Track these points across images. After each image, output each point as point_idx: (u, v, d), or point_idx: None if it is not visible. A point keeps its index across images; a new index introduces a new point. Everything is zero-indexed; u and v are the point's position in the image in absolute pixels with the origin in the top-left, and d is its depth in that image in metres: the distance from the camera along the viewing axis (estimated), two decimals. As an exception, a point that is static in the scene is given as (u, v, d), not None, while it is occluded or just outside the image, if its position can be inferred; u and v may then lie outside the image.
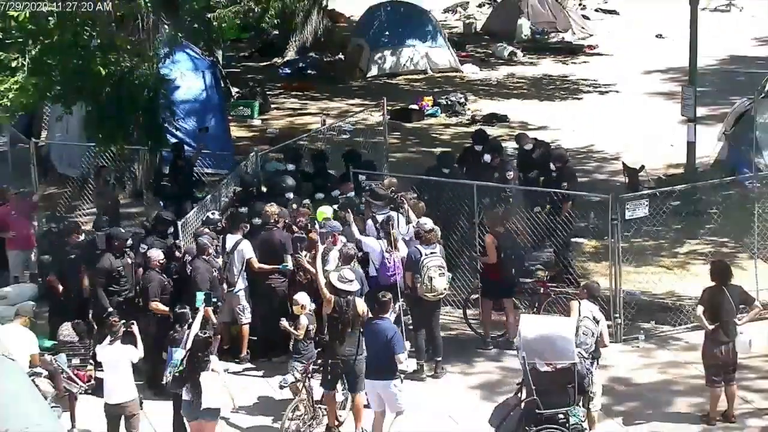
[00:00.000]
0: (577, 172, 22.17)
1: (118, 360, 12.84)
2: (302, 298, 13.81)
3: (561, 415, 11.87)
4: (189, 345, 12.50)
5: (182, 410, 12.57)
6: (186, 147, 19.85)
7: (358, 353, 12.91)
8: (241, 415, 13.69)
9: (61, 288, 15.47)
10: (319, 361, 13.43)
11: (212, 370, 12.26)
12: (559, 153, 18.17)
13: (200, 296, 13.43)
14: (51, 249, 16.20)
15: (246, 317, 15.29)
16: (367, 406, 13.25)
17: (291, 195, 16.74)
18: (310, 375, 13.14)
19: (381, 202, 15.70)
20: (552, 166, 17.52)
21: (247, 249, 15.21)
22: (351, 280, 13.03)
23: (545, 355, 11.77)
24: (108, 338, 13.08)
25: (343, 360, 12.89)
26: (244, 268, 15.22)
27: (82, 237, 15.93)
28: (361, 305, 13.11)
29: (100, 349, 13.15)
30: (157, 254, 14.65)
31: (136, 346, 13.10)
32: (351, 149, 19.08)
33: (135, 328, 13.26)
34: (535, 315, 12.94)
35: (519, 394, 12.23)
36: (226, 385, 12.42)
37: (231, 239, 15.32)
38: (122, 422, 12.94)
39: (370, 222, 15.54)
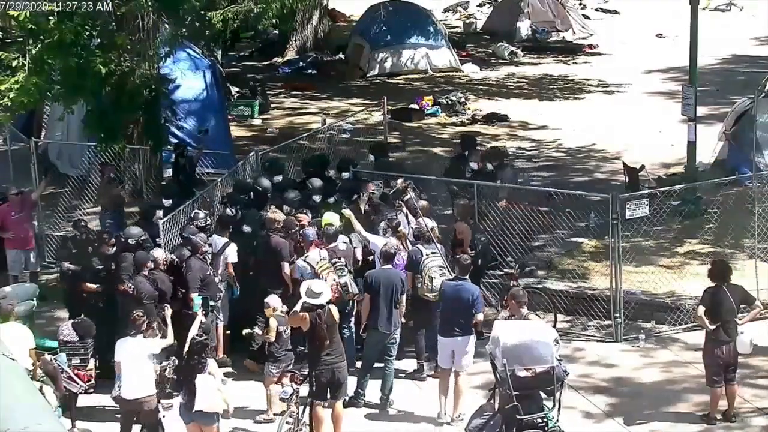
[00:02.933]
0: (577, 171, 22.34)
1: (139, 354, 12.80)
2: (273, 300, 13.71)
3: (540, 420, 11.86)
4: (186, 348, 12.51)
5: (178, 413, 12.56)
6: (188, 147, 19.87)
7: (340, 361, 12.87)
8: (239, 418, 13.64)
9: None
10: (304, 372, 13.21)
11: (209, 373, 12.22)
12: (495, 151, 18.21)
13: (198, 300, 13.40)
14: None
15: (221, 319, 15.16)
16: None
17: (318, 198, 16.42)
18: (298, 386, 12.93)
19: (389, 206, 15.72)
20: (489, 166, 17.58)
21: (231, 253, 15.18)
22: (319, 293, 12.77)
23: (524, 360, 11.70)
24: (131, 332, 13.01)
25: (325, 369, 12.76)
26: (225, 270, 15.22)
27: (112, 250, 15.22)
28: (336, 313, 12.96)
29: (120, 342, 13.05)
30: (161, 254, 14.63)
31: (165, 334, 13.08)
32: (343, 159, 18.85)
33: (168, 311, 13.20)
34: (508, 321, 12.86)
35: (492, 401, 12.21)
36: (221, 390, 12.35)
37: (218, 241, 15.30)
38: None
39: (383, 224, 15.47)
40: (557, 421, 11.94)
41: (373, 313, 13.95)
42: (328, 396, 12.87)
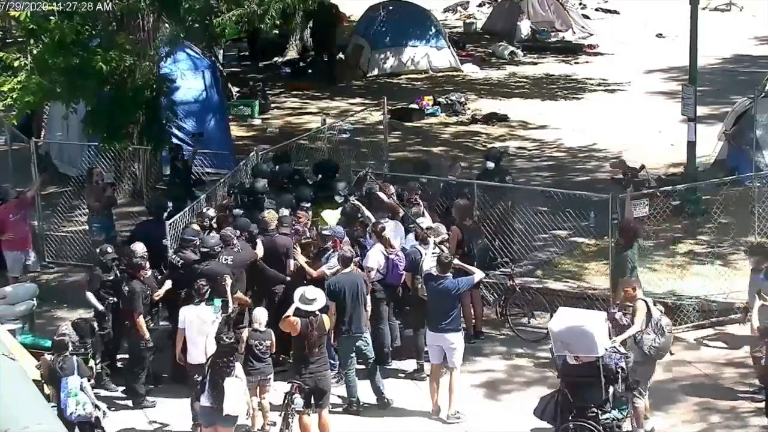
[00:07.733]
0: (577, 171, 22.35)
1: (203, 321, 13.00)
2: (257, 313, 13.49)
3: (593, 410, 11.91)
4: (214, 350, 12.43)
5: (200, 416, 12.47)
6: (185, 147, 19.86)
7: (324, 370, 12.85)
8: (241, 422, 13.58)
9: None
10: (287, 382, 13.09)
11: (236, 376, 12.12)
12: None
13: (217, 302, 13.29)
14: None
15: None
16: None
17: (340, 200, 16.32)
18: (292, 396, 12.74)
19: (381, 212, 15.71)
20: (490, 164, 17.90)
21: None
22: (313, 300, 12.78)
23: (571, 347, 11.94)
24: (195, 300, 13.29)
25: (310, 377, 12.71)
26: None
27: (149, 273, 14.62)
28: (328, 322, 12.96)
29: (185, 309, 13.32)
30: (140, 248, 14.63)
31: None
32: (327, 160, 18.80)
33: (228, 281, 13.42)
34: (568, 308, 12.99)
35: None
36: (246, 392, 12.35)
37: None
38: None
39: (368, 229, 15.44)
40: (625, 418, 12.07)
41: (341, 318, 13.73)
42: (312, 403, 12.80)
